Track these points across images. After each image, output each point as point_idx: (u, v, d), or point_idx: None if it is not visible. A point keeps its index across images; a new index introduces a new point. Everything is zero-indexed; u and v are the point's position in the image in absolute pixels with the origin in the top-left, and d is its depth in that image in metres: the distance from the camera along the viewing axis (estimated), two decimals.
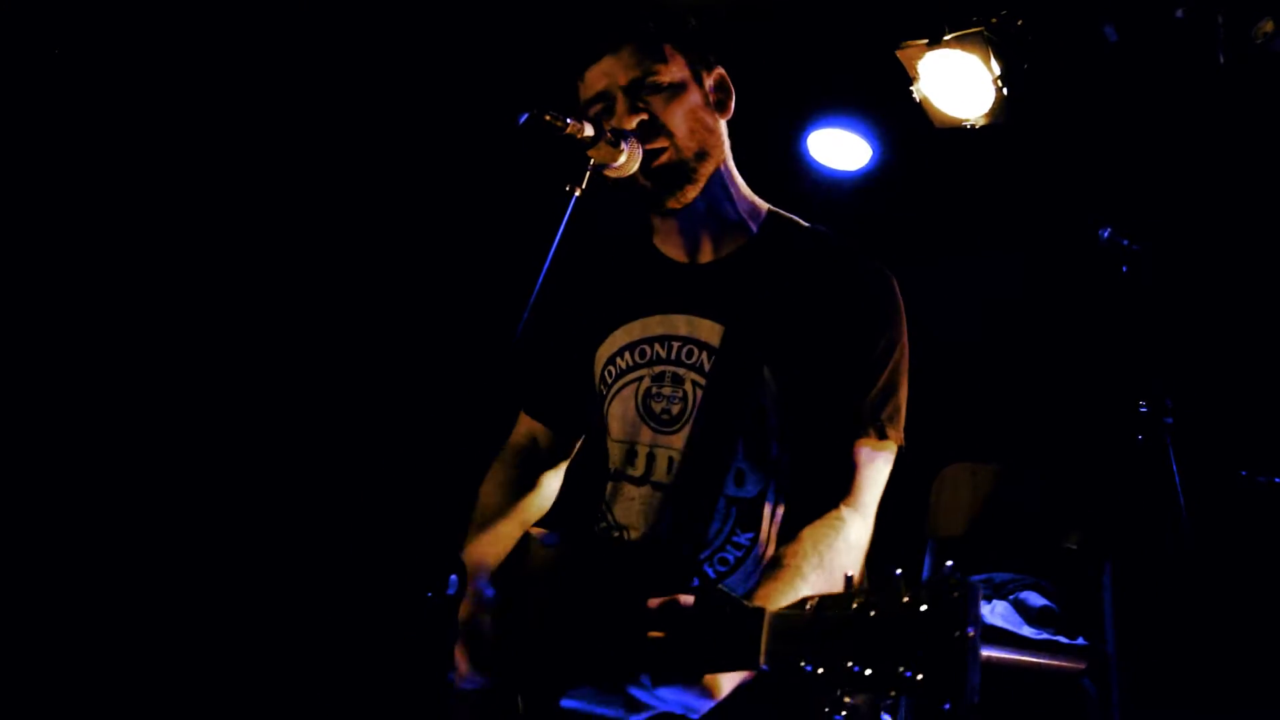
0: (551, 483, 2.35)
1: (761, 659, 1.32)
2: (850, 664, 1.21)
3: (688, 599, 1.52)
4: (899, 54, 3.93)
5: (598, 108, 2.07)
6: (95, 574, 4.09)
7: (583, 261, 2.26)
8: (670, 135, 2.03)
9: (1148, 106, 3.93)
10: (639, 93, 2.04)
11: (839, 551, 1.84)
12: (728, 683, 1.57)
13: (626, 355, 2.15)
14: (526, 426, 2.36)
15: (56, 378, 4.16)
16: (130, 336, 4.26)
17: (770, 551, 2.03)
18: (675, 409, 2.07)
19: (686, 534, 2.00)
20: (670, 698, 1.59)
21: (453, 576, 1.61)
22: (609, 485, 2.15)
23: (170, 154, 4.27)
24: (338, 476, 4.28)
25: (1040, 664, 3.45)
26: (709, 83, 2.15)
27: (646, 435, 2.10)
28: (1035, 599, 3.70)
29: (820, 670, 1.23)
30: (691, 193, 2.07)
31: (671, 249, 2.18)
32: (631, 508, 2.09)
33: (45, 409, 4.12)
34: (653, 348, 2.12)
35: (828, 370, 1.99)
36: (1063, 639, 3.53)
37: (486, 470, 2.30)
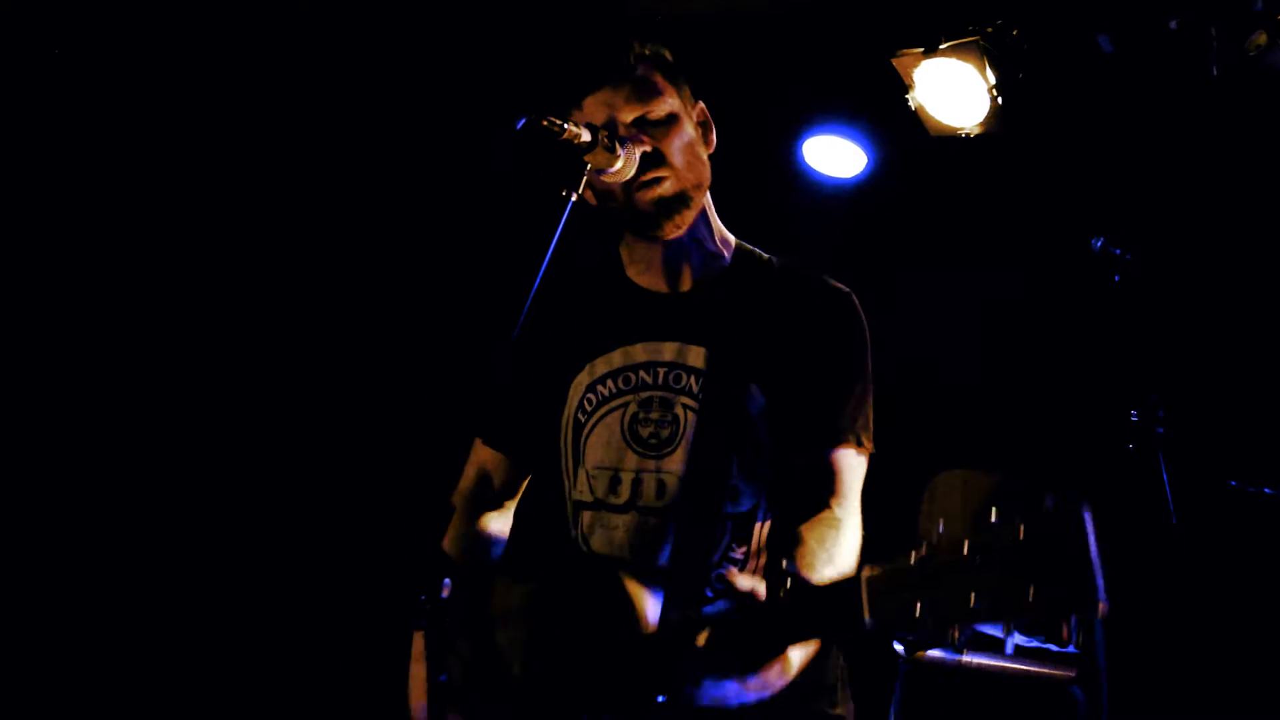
0: (500, 526, 2.29)
1: (865, 614, 1.41)
2: (972, 600, 1.29)
3: (739, 580, 1.61)
4: (895, 62, 3.94)
5: (602, 135, 2.04)
6: (84, 573, 4.08)
7: (553, 292, 2.20)
8: (671, 167, 2.06)
9: (1141, 117, 3.95)
10: (642, 128, 2.06)
11: (843, 547, 1.94)
12: (796, 660, 1.65)
13: (609, 383, 2.15)
14: (480, 460, 2.31)
15: (55, 377, 4.16)
16: (127, 335, 4.26)
17: (761, 563, 2.08)
18: (665, 433, 2.09)
19: (692, 555, 2.03)
20: (753, 684, 1.63)
21: (446, 579, 1.62)
22: (585, 515, 2.14)
23: (170, 154, 4.27)
24: (330, 479, 4.28)
25: (1030, 671, 3.46)
26: (695, 117, 2.17)
27: (632, 461, 2.10)
28: None
29: (935, 611, 1.33)
30: (690, 217, 2.11)
31: (650, 280, 2.20)
32: (614, 536, 2.09)
33: (41, 409, 4.12)
34: (637, 374, 2.13)
35: (809, 386, 2.08)
36: (1053, 646, 3.54)
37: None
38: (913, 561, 1.36)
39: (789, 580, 1.54)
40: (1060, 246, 4.09)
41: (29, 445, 4.08)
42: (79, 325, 4.21)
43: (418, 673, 1.76)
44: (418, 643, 1.57)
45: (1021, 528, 1.27)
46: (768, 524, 2.09)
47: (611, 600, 1.86)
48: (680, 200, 2.08)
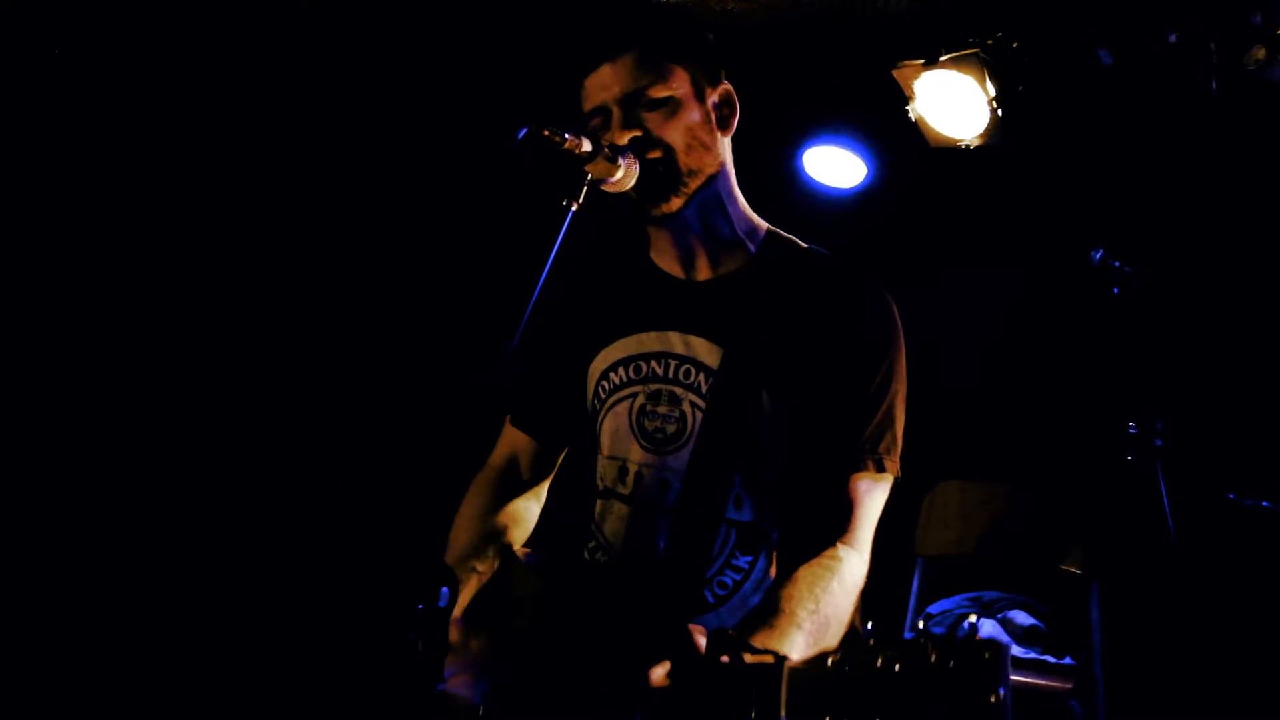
0: (529, 508, 2.28)
1: (782, 710, 1.34)
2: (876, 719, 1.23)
3: (698, 639, 1.54)
4: (895, 73, 3.95)
5: (596, 121, 2.06)
6: (76, 575, 4.07)
7: (579, 270, 2.23)
8: (668, 148, 2.01)
9: (1141, 130, 3.96)
10: (634, 108, 2.02)
11: (834, 594, 1.85)
12: None
13: (621, 370, 2.13)
14: (510, 440, 2.31)
15: (54, 377, 4.15)
16: (129, 335, 4.26)
17: (770, 575, 2.05)
18: (671, 429, 2.05)
19: (686, 557, 1.99)
20: None
21: (444, 589, 1.61)
22: (599, 504, 2.13)
23: (171, 157, 4.27)
24: (329, 486, 4.27)
25: (1027, 683, 3.45)
26: (713, 99, 2.11)
27: (637, 454, 2.08)
28: (1023, 618, 3.70)
29: None
30: (676, 203, 2.04)
31: (667, 263, 2.16)
32: (619, 526, 2.07)
33: (41, 409, 4.12)
34: (648, 364, 2.10)
35: (827, 398, 1.99)
36: (1050, 658, 3.54)
37: (467, 488, 2.26)
38: (829, 665, 1.29)
39: (728, 648, 1.47)
40: (1059, 259, 4.09)
41: (27, 445, 4.08)
42: (79, 325, 4.21)
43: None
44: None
45: (934, 652, 1.22)
46: (776, 535, 2.05)
47: (618, 605, 1.86)
48: (666, 181, 2.01)
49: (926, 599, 3.83)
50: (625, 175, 1.95)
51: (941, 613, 3.76)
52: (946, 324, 4.43)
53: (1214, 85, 3.51)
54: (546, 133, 1.79)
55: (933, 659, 1.21)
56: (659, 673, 1.58)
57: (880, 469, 1.98)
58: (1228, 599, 3.59)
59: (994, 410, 4.39)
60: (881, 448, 1.99)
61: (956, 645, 1.20)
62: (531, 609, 1.93)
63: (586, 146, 1.84)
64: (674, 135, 2.02)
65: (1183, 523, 3.24)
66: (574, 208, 1.79)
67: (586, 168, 1.85)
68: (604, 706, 1.76)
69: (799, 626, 1.78)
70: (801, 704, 1.32)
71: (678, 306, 2.11)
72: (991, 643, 1.19)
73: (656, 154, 2.00)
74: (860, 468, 1.97)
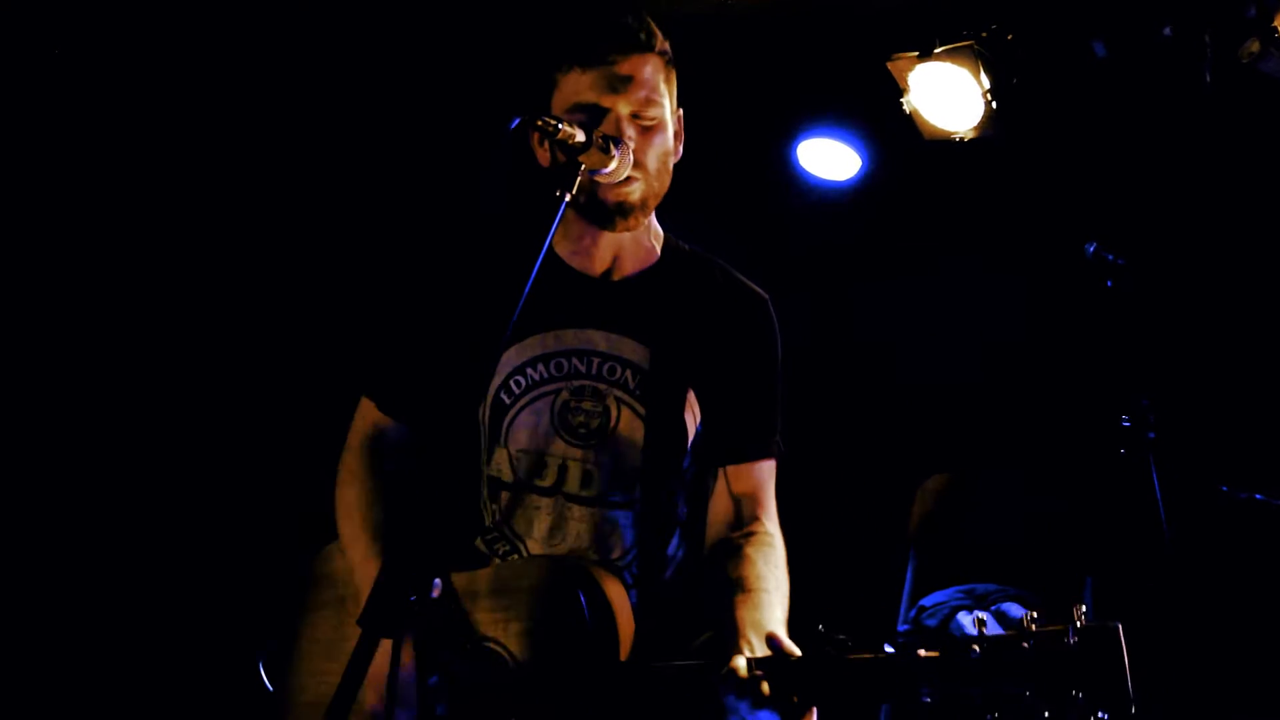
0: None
1: (923, 694, 1.57)
2: (1027, 693, 1.52)
3: (791, 648, 1.73)
4: (890, 66, 3.95)
5: (581, 116, 2.01)
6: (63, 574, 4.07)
7: (472, 256, 2.23)
8: (645, 173, 2.05)
9: (1135, 122, 3.96)
10: (634, 124, 2.03)
11: (781, 567, 2.06)
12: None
13: (540, 367, 2.14)
14: (372, 422, 2.24)
15: (52, 377, 4.15)
16: (123, 335, 4.26)
17: (678, 556, 2.16)
18: (595, 424, 2.11)
19: (654, 551, 2.10)
20: None
21: (435, 579, 1.61)
22: (504, 495, 2.13)
23: (169, 155, 4.26)
24: (315, 477, 4.26)
25: None
26: (675, 125, 2.15)
27: (559, 447, 2.11)
28: (1016, 610, 3.71)
29: (994, 698, 1.55)
30: (641, 222, 2.13)
31: (581, 261, 2.19)
32: (536, 517, 2.10)
33: (38, 408, 4.12)
34: (570, 361, 2.13)
35: (740, 395, 2.17)
36: None
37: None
38: (975, 653, 1.55)
39: (833, 641, 1.64)
40: (1053, 251, 4.09)
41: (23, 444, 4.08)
42: (78, 324, 4.21)
43: (378, 673, 1.71)
44: (387, 648, 1.56)
45: (1073, 638, 1.50)
46: (684, 517, 2.17)
47: (573, 599, 1.87)
48: (642, 207, 2.09)
49: (920, 591, 3.84)
50: (619, 166, 1.96)
51: (935, 605, 3.76)
52: (939, 316, 4.44)
53: (1208, 78, 3.51)
54: (540, 122, 1.79)
55: (1070, 642, 1.50)
56: (741, 663, 1.70)
57: (778, 453, 2.20)
58: (1221, 592, 3.60)
59: (987, 402, 4.40)
60: (778, 435, 2.20)
61: (1084, 630, 1.50)
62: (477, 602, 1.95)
63: (580, 137, 1.85)
64: (651, 159, 2.07)
65: (1175, 515, 3.24)
66: (567, 198, 1.79)
67: (580, 158, 1.85)
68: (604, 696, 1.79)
69: (772, 600, 1.94)
70: (946, 686, 1.55)
71: (597, 305, 2.16)
72: (1114, 629, 1.50)
73: (638, 175, 2.04)
74: (763, 453, 2.17)
